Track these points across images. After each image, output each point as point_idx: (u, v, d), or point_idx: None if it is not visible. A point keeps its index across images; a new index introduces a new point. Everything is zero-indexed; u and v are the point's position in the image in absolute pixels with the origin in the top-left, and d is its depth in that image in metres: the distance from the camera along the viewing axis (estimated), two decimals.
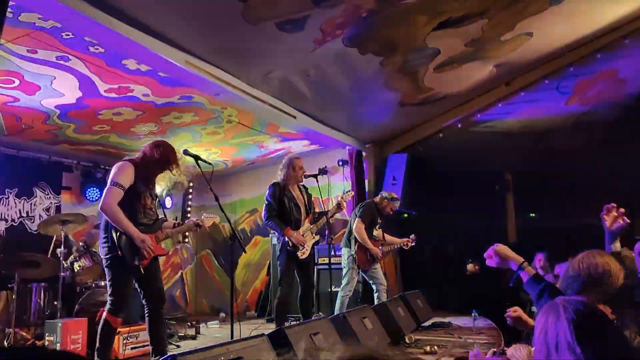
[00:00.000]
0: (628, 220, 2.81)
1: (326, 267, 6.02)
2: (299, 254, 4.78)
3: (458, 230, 9.26)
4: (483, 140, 7.81)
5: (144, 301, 3.71)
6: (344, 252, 5.68)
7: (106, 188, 3.60)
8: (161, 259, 3.96)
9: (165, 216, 4.06)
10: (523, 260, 2.33)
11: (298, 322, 3.97)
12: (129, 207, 3.60)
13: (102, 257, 3.69)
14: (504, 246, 2.39)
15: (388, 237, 5.97)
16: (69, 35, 3.91)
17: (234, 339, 3.34)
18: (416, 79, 5.89)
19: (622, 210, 2.79)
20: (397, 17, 4.57)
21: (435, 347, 4.41)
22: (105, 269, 3.68)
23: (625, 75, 6.42)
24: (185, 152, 3.85)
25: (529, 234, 9.94)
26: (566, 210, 10.43)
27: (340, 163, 7.66)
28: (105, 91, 5.07)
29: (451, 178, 8.50)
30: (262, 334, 2.98)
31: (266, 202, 4.91)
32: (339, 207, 5.09)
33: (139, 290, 3.74)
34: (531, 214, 11.08)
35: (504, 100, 6.55)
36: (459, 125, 7.05)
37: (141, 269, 3.59)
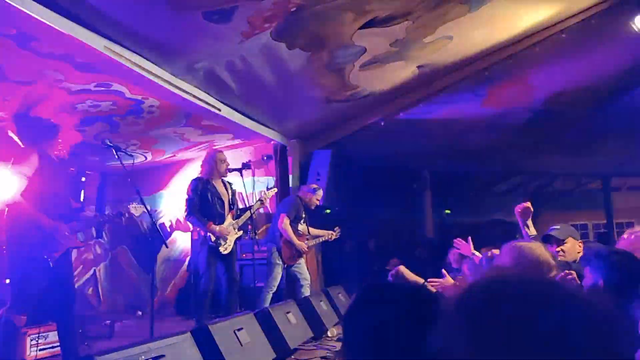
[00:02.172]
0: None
1: (250, 262, 5.96)
2: (221, 249, 4.70)
3: (379, 225, 9.52)
4: (404, 139, 8.07)
5: (54, 299, 3.49)
6: (269, 247, 5.66)
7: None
8: (73, 255, 3.75)
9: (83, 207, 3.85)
10: (424, 281, 2.46)
11: (221, 317, 3.91)
12: (34, 197, 3.37)
13: None
14: (405, 269, 2.52)
15: (313, 231, 6.02)
16: None
17: (154, 336, 3.22)
18: (342, 76, 5.96)
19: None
20: (325, 13, 4.59)
21: None
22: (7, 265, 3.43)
23: (535, 81, 6.86)
24: (104, 143, 3.67)
25: (445, 230, 10.42)
26: (480, 207, 11.04)
27: (265, 158, 7.62)
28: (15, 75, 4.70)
29: (373, 175, 8.72)
30: (185, 331, 2.90)
31: (187, 198, 4.80)
32: (261, 203, 5.11)
33: (48, 287, 3.52)
34: (447, 211, 11.62)
35: (425, 101, 6.78)
36: (382, 124, 7.22)
37: (51, 263, 3.38)
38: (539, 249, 2.28)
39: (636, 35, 5.55)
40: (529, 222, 3.33)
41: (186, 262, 8.19)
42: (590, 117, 7.97)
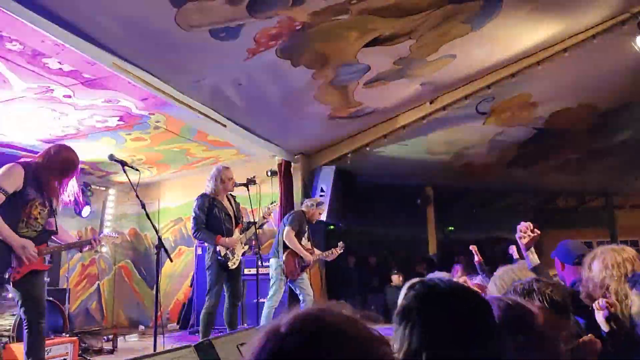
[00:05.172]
0: (538, 232, 3.00)
1: (253, 277, 5.96)
2: (229, 263, 4.71)
3: (382, 241, 9.53)
4: (407, 155, 8.11)
5: (22, 314, 3.40)
6: (272, 262, 5.66)
7: None
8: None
9: (56, 229, 3.58)
10: None
11: (225, 332, 3.91)
12: (9, 213, 3.28)
13: None
14: None
15: (318, 253, 6.01)
16: None
17: (158, 351, 3.23)
18: (346, 93, 6.02)
19: (530, 225, 2.93)
20: (329, 31, 4.67)
21: None
22: None
23: (537, 100, 6.91)
24: (111, 158, 3.70)
25: (448, 246, 10.41)
26: (481, 223, 11.03)
27: (269, 173, 7.65)
28: (22, 91, 4.76)
29: (376, 191, 8.75)
30: (189, 345, 2.90)
31: (194, 215, 4.80)
32: (264, 218, 5.12)
33: (16, 301, 3.44)
34: (449, 227, 11.62)
35: (428, 118, 6.83)
36: (385, 140, 7.27)
37: (10, 282, 3.24)
38: None
39: (636, 54, 5.61)
40: (532, 250, 2.92)
41: (189, 277, 8.18)
42: (592, 135, 8.01)
